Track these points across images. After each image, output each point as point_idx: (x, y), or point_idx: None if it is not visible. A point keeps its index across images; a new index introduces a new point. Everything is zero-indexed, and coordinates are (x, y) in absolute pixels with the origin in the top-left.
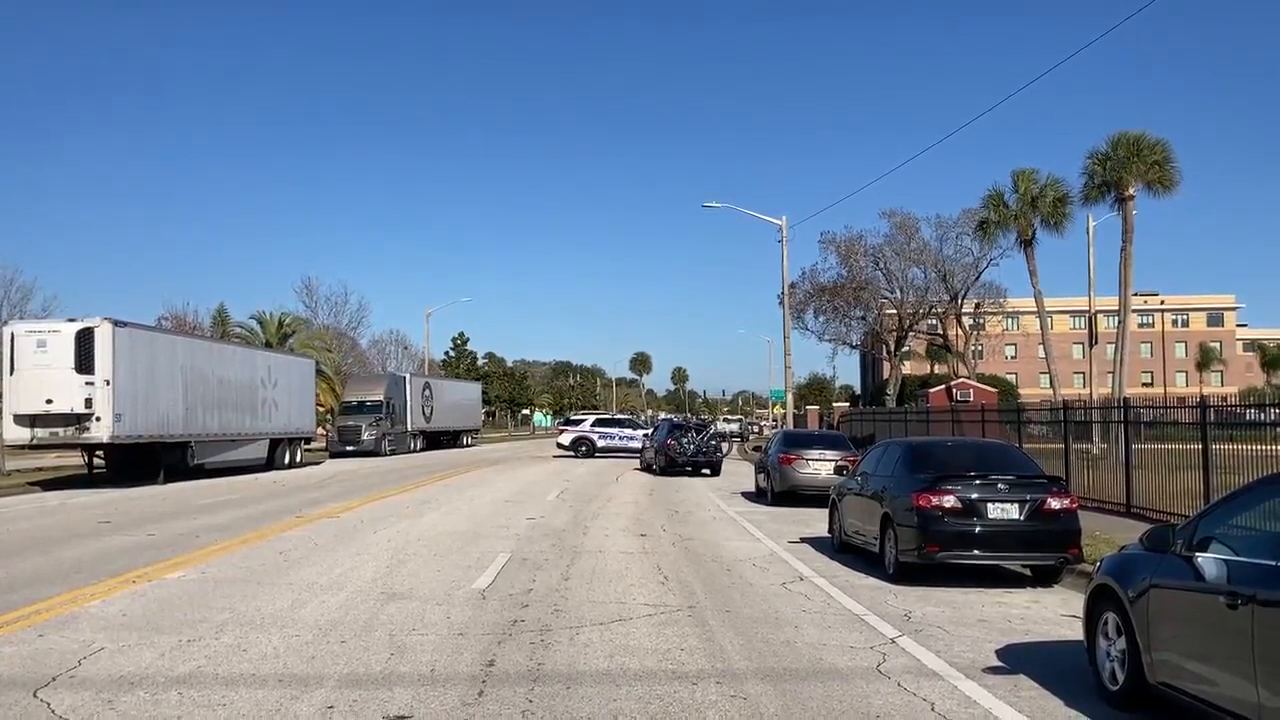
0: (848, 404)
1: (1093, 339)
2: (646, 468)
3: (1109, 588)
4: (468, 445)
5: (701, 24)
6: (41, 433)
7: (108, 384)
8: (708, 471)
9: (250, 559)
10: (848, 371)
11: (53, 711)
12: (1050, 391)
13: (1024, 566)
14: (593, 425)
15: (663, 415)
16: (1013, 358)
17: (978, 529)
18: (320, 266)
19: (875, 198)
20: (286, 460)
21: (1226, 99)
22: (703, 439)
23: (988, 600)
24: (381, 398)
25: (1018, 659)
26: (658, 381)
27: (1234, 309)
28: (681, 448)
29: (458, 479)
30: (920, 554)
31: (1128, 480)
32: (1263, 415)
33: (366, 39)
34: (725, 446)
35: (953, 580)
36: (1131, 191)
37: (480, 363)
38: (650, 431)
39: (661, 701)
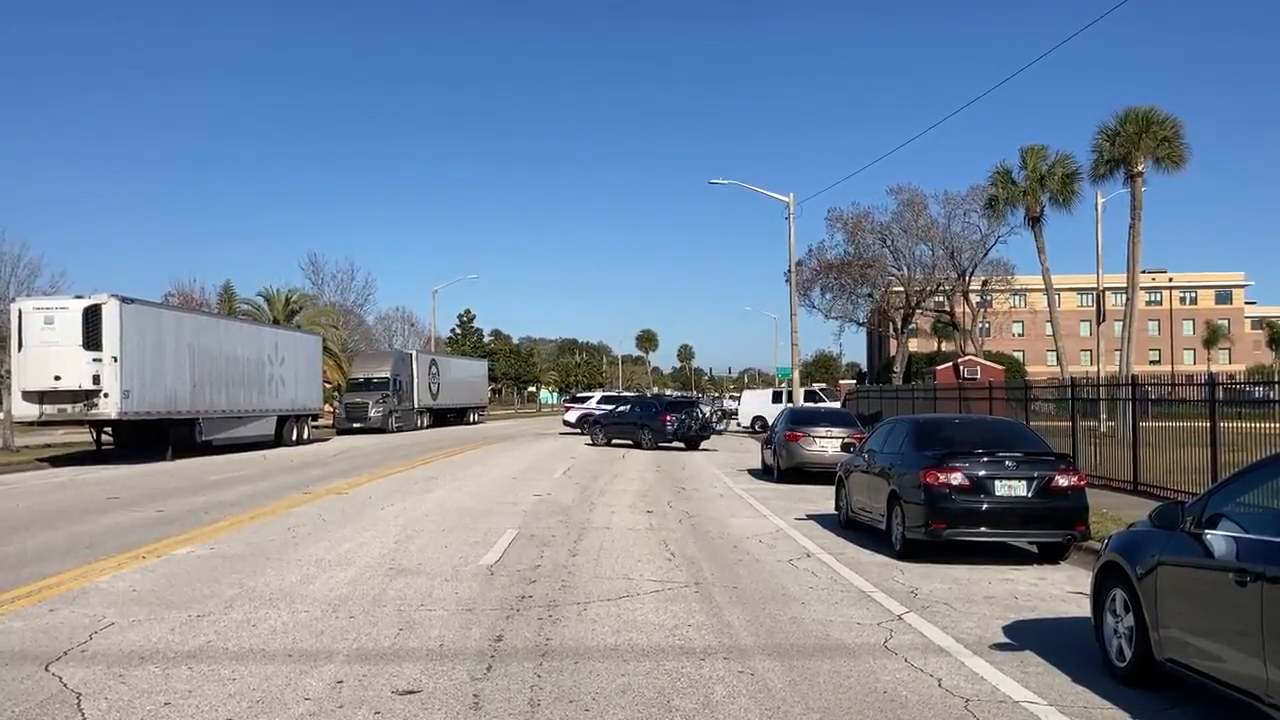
0: (854, 381)
1: (1100, 316)
2: (606, 443)
3: (1117, 565)
4: (474, 422)
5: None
6: (50, 409)
7: (115, 360)
8: (681, 445)
9: (259, 535)
10: (854, 349)
11: (64, 685)
12: (1057, 369)
13: (1031, 543)
14: (598, 403)
15: (603, 393)
16: (1020, 335)
17: (985, 506)
18: (326, 243)
19: (883, 174)
20: (294, 437)
21: (1238, 73)
22: (691, 416)
23: (994, 577)
24: (388, 375)
25: (1025, 635)
26: (663, 359)
27: (1243, 286)
28: (676, 424)
29: (464, 455)
30: (927, 531)
31: (1135, 458)
32: (1271, 393)
33: (372, 17)
34: (725, 423)
35: (959, 557)
36: (1140, 168)
37: (486, 340)
38: (618, 407)
39: (669, 677)
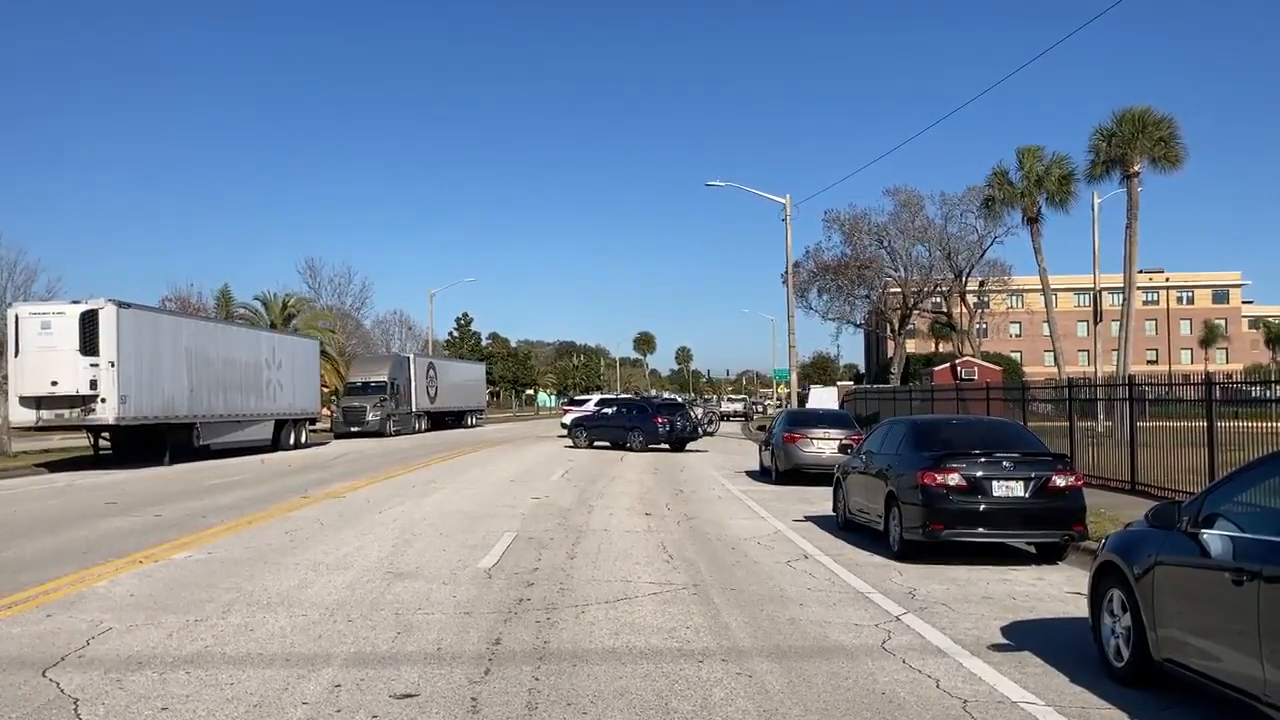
0: (852, 382)
1: (1097, 316)
2: (589, 445)
3: (1114, 565)
4: (472, 425)
5: (706, 1)
6: (47, 414)
7: (112, 365)
8: (666, 447)
9: (256, 539)
10: (852, 350)
11: (62, 691)
12: (1055, 369)
13: (1029, 544)
14: (596, 405)
15: (601, 395)
16: (1017, 335)
17: (983, 507)
18: (324, 247)
19: (880, 176)
20: (292, 441)
21: (1234, 72)
22: (685, 419)
23: (992, 577)
24: (386, 378)
25: (1023, 636)
26: (662, 361)
27: (1239, 285)
28: (669, 425)
29: (462, 459)
30: (925, 532)
31: (1132, 457)
32: (1268, 392)
33: (369, 19)
34: (715, 425)
35: (957, 558)
36: (1137, 168)
37: (484, 343)
38: (606, 410)
39: (668, 679)
